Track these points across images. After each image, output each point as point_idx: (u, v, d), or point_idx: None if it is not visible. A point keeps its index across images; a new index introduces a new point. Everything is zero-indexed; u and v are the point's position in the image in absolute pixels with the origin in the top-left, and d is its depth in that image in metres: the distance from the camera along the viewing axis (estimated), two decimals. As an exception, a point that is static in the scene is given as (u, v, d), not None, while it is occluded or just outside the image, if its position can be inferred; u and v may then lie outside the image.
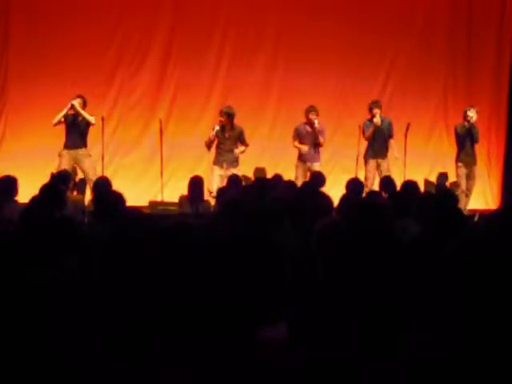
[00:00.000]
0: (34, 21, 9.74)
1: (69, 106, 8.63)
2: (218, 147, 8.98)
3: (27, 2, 9.78)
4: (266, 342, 2.56)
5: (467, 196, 9.36)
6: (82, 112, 8.69)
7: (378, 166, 9.30)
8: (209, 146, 8.96)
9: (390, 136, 9.40)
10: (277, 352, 2.48)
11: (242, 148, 9.05)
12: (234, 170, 8.69)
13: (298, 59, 10.23)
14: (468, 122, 9.19)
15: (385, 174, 8.82)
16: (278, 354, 2.46)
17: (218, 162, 8.93)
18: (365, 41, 10.30)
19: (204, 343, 2.25)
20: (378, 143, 9.31)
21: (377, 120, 9.22)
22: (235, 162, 8.95)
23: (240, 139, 9.03)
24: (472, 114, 9.19)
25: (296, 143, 9.38)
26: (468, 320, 2.03)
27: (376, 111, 9.28)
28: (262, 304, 2.83)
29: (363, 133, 9.37)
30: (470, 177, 9.38)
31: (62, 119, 8.70)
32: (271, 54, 10.33)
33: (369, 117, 9.38)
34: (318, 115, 9.29)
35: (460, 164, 9.39)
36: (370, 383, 2.39)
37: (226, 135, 8.90)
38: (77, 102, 8.64)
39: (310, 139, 9.34)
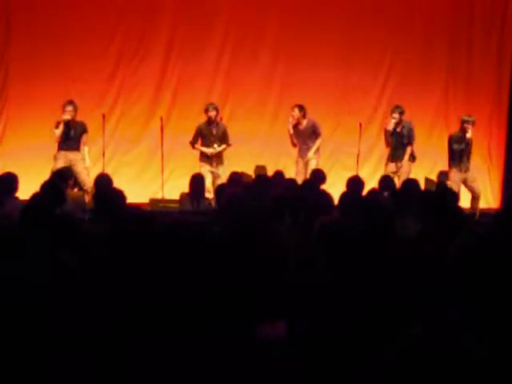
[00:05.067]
0: (35, 19, 9.74)
1: (61, 122, 8.62)
2: (204, 144, 8.98)
3: (27, 1, 9.77)
4: (264, 340, 2.56)
5: (475, 199, 9.28)
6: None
7: (398, 169, 9.25)
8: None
9: (409, 142, 9.28)
10: (276, 350, 2.48)
11: (224, 146, 9.02)
12: (221, 167, 8.76)
13: (299, 56, 10.23)
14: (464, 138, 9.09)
15: (403, 177, 8.78)
16: (277, 353, 2.46)
17: (206, 159, 8.93)
18: (366, 38, 10.29)
19: (204, 343, 2.25)
20: (396, 147, 9.25)
21: (389, 127, 9.16)
22: (221, 158, 8.97)
23: (224, 137, 9.02)
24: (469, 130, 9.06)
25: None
26: (469, 318, 2.02)
27: (393, 116, 9.17)
28: (262, 302, 2.83)
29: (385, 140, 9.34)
30: (468, 181, 9.28)
31: (59, 132, 8.68)
32: (273, 50, 10.32)
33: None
34: (302, 114, 9.15)
35: (453, 169, 9.30)
36: (369, 383, 2.39)
37: (214, 131, 8.88)
38: (65, 117, 8.61)
39: (301, 135, 9.30)
